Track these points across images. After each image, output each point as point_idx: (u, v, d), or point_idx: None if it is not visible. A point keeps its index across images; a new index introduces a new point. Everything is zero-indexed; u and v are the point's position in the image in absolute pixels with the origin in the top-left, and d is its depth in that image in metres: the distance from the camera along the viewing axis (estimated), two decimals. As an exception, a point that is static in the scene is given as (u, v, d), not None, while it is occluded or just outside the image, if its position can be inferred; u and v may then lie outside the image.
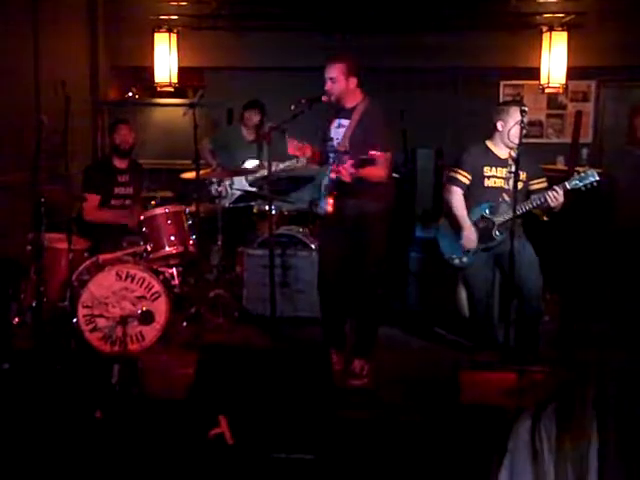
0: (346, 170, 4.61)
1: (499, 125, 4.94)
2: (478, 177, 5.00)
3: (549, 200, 4.74)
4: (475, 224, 4.99)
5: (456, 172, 5.05)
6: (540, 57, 8.12)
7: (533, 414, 1.57)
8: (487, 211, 4.95)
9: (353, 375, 4.95)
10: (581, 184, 4.73)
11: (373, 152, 4.53)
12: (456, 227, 5.03)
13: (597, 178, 4.71)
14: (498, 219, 4.91)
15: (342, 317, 5.11)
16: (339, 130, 4.90)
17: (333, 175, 4.79)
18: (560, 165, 8.13)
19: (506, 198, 4.89)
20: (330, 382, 4.16)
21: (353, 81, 4.83)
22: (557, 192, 4.73)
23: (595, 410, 1.50)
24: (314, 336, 5.59)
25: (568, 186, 4.75)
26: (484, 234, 4.97)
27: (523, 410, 1.59)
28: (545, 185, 5.01)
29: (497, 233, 4.91)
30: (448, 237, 5.13)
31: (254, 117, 6.97)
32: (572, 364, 1.60)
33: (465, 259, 5.05)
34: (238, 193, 6.78)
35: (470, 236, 4.97)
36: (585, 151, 8.39)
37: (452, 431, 3.94)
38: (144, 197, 6.40)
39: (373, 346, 5.09)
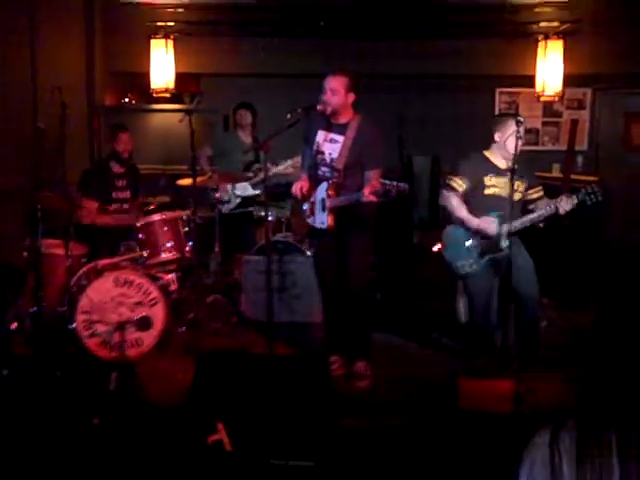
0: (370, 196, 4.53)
1: (496, 136, 4.97)
2: (479, 186, 4.99)
3: (560, 210, 4.77)
4: (482, 234, 4.98)
5: (451, 179, 5.06)
6: (536, 65, 8.17)
7: (552, 428, 1.57)
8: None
9: (358, 376, 4.99)
10: (588, 201, 4.74)
11: (401, 185, 4.44)
12: (465, 231, 5.02)
13: (601, 198, 4.74)
14: (505, 229, 4.84)
15: (345, 322, 5.13)
16: (333, 145, 4.89)
17: (332, 192, 4.80)
18: (556, 173, 8.16)
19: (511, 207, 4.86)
20: (328, 388, 4.17)
21: (351, 97, 4.84)
22: (569, 202, 4.76)
23: (617, 432, 1.50)
24: (311, 341, 5.60)
25: (576, 200, 4.76)
26: (491, 244, 4.92)
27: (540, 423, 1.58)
28: (541, 194, 5.06)
29: (504, 243, 4.89)
30: (454, 245, 5.09)
31: (247, 116, 6.99)
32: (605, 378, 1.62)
33: (471, 267, 5.01)
34: (239, 199, 6.79)
35: (485, 224, 4.90)
36: (580, 159, 8.43)
37: (450, 438, 3.94)
38: (142, 202, 6.42)
39: (370, 347, 5.14)
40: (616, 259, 6.82)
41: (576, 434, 1.52)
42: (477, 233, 4.98)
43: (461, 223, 5.03)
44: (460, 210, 5.01)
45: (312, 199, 4.97)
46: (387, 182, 4.42)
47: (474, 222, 4.96)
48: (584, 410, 1.56)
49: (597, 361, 4.81)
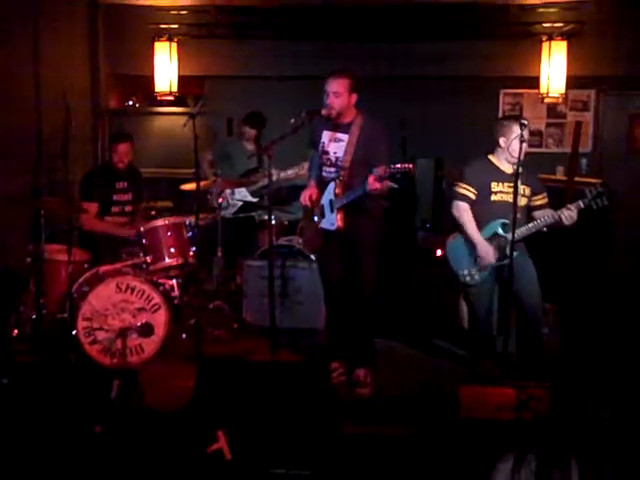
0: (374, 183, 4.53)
1: (501, 141, 4.91)
2: (485, 193, 4.93)
3: (564, 220, 4.74)
4: (488, 241, 4.93)
5: (460, 187, 4.99)
6: (540, 66, 8.15)
7: (515, 457, 1.57)
8: (500, 230, 4.89)
9: (358, 384, 4.98)
10: (594, 205, 4.70)
11: (404, 165, 4.44)
12: (470, 243, 4.98)
13: (607, 202, 4.69)
14: (509, 237, 4.73)
15: (348, 328, 5.12)
16: (338, 144, 4.89)
17: (339, 191, 4.79)
18: (560, 175, 8.13)
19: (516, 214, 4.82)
20: (330, 396, 4.16)
21: (354, 97, 4.84)
22: (572, 212, 4.72)
23: (578, 463, 1.49)
24: (313, 348, 5.60)
25: (582, 205, 4.73)
26: (497, 252, 4.90)
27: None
28: (545, 201, 5.00)
29: (507, 252, 4.78)
30: (459, 253, 5.03)
31: (250, 131, 7.00)
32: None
33: (477, 276, 4.96)
34: (239, 204, 6.79)
35: (486, 252, 4.88)
36: (584, 161, 8.39)
37: (451, 446, 3.94)
38: (145, 207, 6.41)
39: (373, 354, 5.12)
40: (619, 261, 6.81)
41: (536, 465, 1.52)
42: None
43: (466, 236, 4.99)
44: (471, 225, 4.95)
45: (321, 203, 4.96)
46: (391, 166, 4.41)
47: (479, 246, 4.91)
48: (544, 444, 1.55)
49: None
